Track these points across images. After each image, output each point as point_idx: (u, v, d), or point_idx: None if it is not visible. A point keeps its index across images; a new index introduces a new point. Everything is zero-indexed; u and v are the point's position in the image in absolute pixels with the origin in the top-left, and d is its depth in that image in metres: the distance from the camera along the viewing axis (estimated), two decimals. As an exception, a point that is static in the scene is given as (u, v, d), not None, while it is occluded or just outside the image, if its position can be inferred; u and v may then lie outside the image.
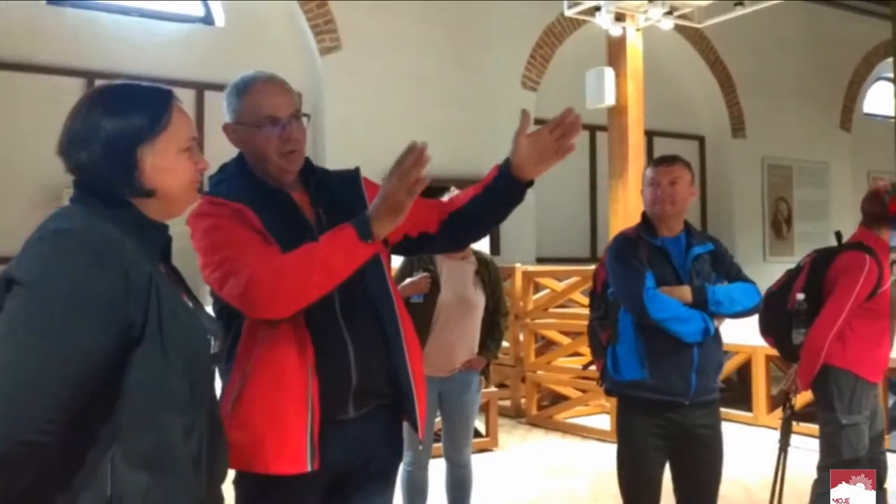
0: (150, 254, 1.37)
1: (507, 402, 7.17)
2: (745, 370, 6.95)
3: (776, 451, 3.70)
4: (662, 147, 9.31)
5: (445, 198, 3.76)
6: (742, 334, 5.66)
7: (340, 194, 1.98)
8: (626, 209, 6.24)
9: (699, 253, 2.81)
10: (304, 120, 1.94)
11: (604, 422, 6.41)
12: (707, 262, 2.83)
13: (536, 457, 5.81)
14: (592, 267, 3.77)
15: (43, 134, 6.74)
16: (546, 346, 7.32)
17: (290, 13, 7.53)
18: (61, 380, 1.18)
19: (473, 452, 3.86)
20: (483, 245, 4.17)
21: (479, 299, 3.67)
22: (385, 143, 7.51)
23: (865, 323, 3.21)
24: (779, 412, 6.38)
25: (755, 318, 3.23)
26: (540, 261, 8.36)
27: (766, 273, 7.81)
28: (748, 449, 5.82)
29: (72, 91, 6.53)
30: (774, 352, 6.37)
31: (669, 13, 6.58)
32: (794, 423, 3.69)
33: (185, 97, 5.96)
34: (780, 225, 10.84)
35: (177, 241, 1.52)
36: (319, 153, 7.33)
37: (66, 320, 1.20)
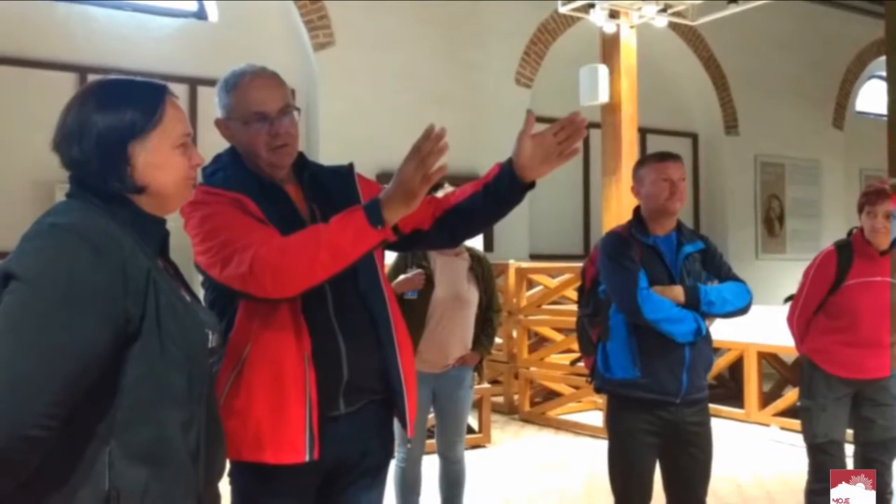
0: (147, 249, 1.37)
1: (500, 399, 7.18)
2: (737, 367, 6.98)
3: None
4: (656, 144, 9.33)
5: (440, 194, 3.78)
6: (734, 331, 5.70)
7: (334, 190, 1.97)
8: (619, 206, 6.25)
9: (690, 252, 2.80)
10: (296, 114, 1.93)
11: (596, 418, 6.43)
12: (698, 260, 2.83)
13: (529, 453, 5.82)
14: (585, 264, 3.77)
15: (35, 129, 6.70)
16: (539, 342, 7.34)
17: (283, 8, 7.51)
18: (59, 375, 1.18)
19: (466, 449, 3.87)
20: (477, 241, 4.17)
21: (473, 296, 3.68)
22: (378, 140, 7.56)
23: (825, 317, 3.35)
24: (770, 408, 6.43)
25: (748, 316, 3.26)
26: (533, 257, 8.37)
27: (758, 270, 7.87)
28: (740, 445, 5.84)
29: (64, 86, 6.50)
30: (766, 349, 6.46)
31: (663, 10, 6.59)
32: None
33: (178, 92, 5.96)
34: (772, 222, 10.86)
35: (174, 236, 1.51)
36: (312, 149, 7.31)
37: (64, 315, 1.20)
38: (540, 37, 8.85)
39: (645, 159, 2.89)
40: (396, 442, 2.13)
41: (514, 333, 7.10)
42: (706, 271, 2.83)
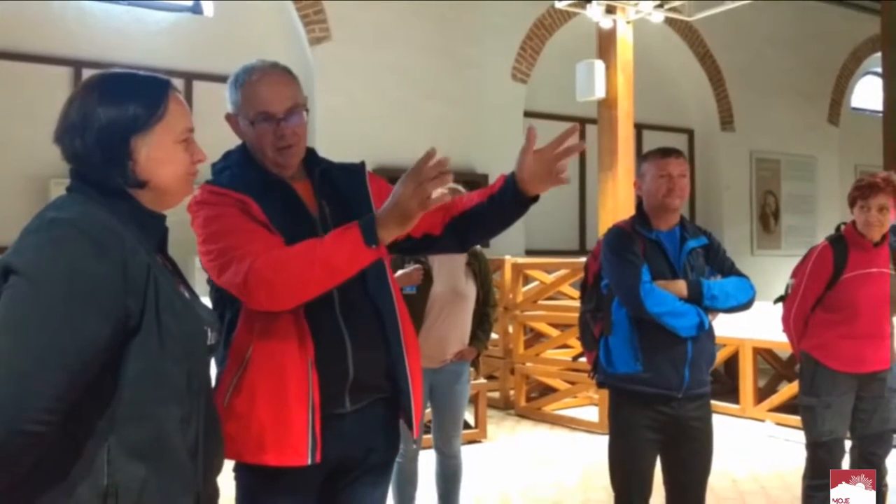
0: (147, 244, 1.36)
1: (496, 394, 7.19)
2: (732, 362, 6.99)
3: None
4: (652, 140, 9.33)
5: (446, 189, 3.78)
6: (730, 326, 5.71)
7: (345, 187, 1.96)
8: (615, 202, 6.26)
9: (693, 247, 2.81)
10: (305, 114, 1.91)
11: (592, 413, 6.44)
12: (701, 255, 2.83)
13: (525, 448, 5.83)
14: (581, 259, 3.77)
15: (29, 123, 6.70)
16: (535, 337, 7.35)
17: (279, 3, 7.49)
18: (59, 370, 1.18)
19: (463, 444, 3.87)
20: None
21: (471, 291, 3.68)
22: (375, 135, 7.56)
23: (824, 311, 3.33)
24: (765, 404, 6.45)
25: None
26: (529, 253, 8.37)
27: (754, 266, 7.88)
28: (736, 441, 5.86)
29: (59, 80, 6.48)
30: (762, 344, 6.47)
31: (660, 6, 6.59)
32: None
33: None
34: (767, 218, 10.89)
35: (173, 232, 1.51)
36: (309, 144, 7.30)
37: (64, 310, 1.19)
38: (536, 32, 8.84)
39: (647, 155, 2.88)
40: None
41: (511, 329, 7.11)
42: (709, 266, 2.84)
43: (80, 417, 1.23)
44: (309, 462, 1.76)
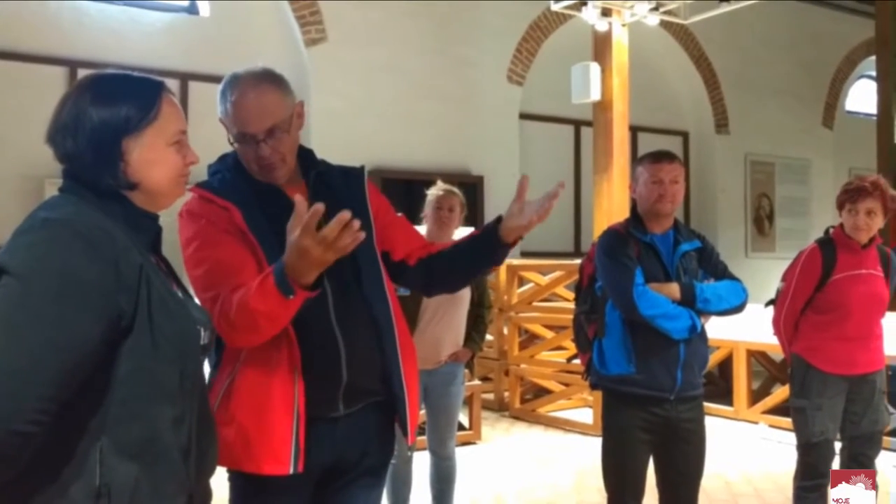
0: (140, 244, 1.36)
1: (491, 396, 7.20)
2: (726, 365, 7.01)
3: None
4: (647, 142, 9.35)
5: (431, 191, 3.79)
6: (724, 329, 5.72)
7: (341, 192, 1.95)
8: (610, 204, 6.27)
9: (687, 250, 2.82)
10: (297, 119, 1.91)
11: (586, 415, 6.44)
12: (694, 258, 2.84)
13: (520, 450, 5.83)
14: (576, 261, 3.78)
15: (24, 123, 6.68)
16: (529, 339, 7.35)
17: (275, 4, 7.49)
18: (51, 370, 1.18)
19: (457, 445, 3.87)
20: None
21: (466, 292, 3.68)
22: (370, 136, 7.56)
23: (814, 313, 3.34)
24: (759, 406, 6.47)
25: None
26: (524, 255, 8.37)
27: (748, 269, 7.90)
28: (729, 443, 5.87)
29: (54, 80, 6.47)
30: (755, 346, 6.49)
31: (655, 9, 6.60)
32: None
33: (170, 87, 5.95)
34: (762, 221, 10.92)
35: (167, 232, 1.51)
36: (304, 145, 7.30)
37: (56, 310, 1.19)
38: (532, 34, 8.86)
39: (641, 158, 2.88)
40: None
41: (505, 330, 7.11)
42: (702, 269, 2.84)
43: (73, 417, 1.23)
44: (291, 471, 1.76)
